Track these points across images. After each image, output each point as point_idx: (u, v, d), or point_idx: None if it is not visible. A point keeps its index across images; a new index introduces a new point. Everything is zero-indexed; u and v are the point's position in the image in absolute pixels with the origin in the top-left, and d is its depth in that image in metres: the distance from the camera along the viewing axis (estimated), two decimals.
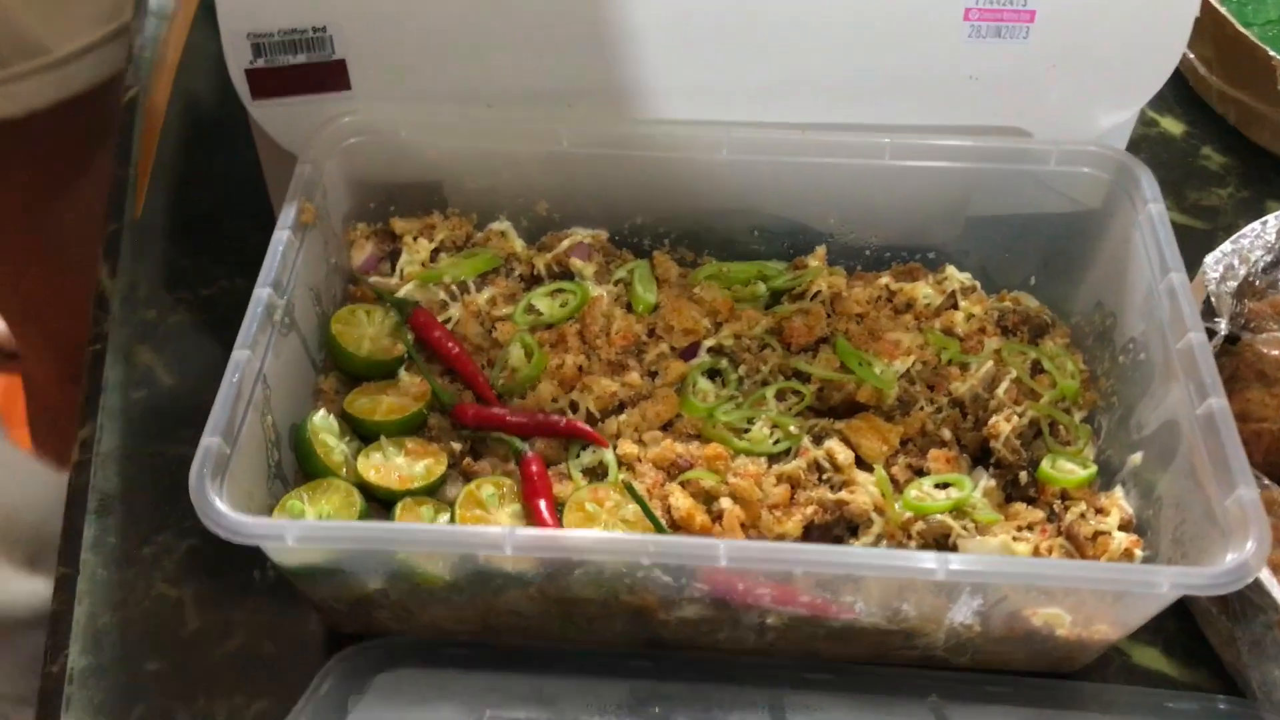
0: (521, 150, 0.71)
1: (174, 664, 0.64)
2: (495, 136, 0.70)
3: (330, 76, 0.69)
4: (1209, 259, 0.72)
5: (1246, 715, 0.60)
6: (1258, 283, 0.72)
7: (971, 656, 0.61)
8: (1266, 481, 0.63)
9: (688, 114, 0.70)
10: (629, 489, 0.60)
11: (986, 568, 0.52)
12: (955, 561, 0.52)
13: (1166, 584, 0.51)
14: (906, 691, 0.60)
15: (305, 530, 0.52)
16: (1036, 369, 0.69)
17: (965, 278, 0.72)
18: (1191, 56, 0.94)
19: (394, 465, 0.62)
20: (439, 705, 0.57)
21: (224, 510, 0.52)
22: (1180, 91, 0.95)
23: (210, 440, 0.54)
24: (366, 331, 0.67)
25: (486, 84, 0.70)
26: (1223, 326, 0.69)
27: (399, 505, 0.61)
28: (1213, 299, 0.70)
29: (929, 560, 0.52)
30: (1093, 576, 0.52)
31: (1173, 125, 0.94)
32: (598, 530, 0.58)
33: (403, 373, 0.66)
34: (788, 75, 0.70)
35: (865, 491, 0.61)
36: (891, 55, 0.69)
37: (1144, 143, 0.93)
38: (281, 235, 0.63)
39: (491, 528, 0.56)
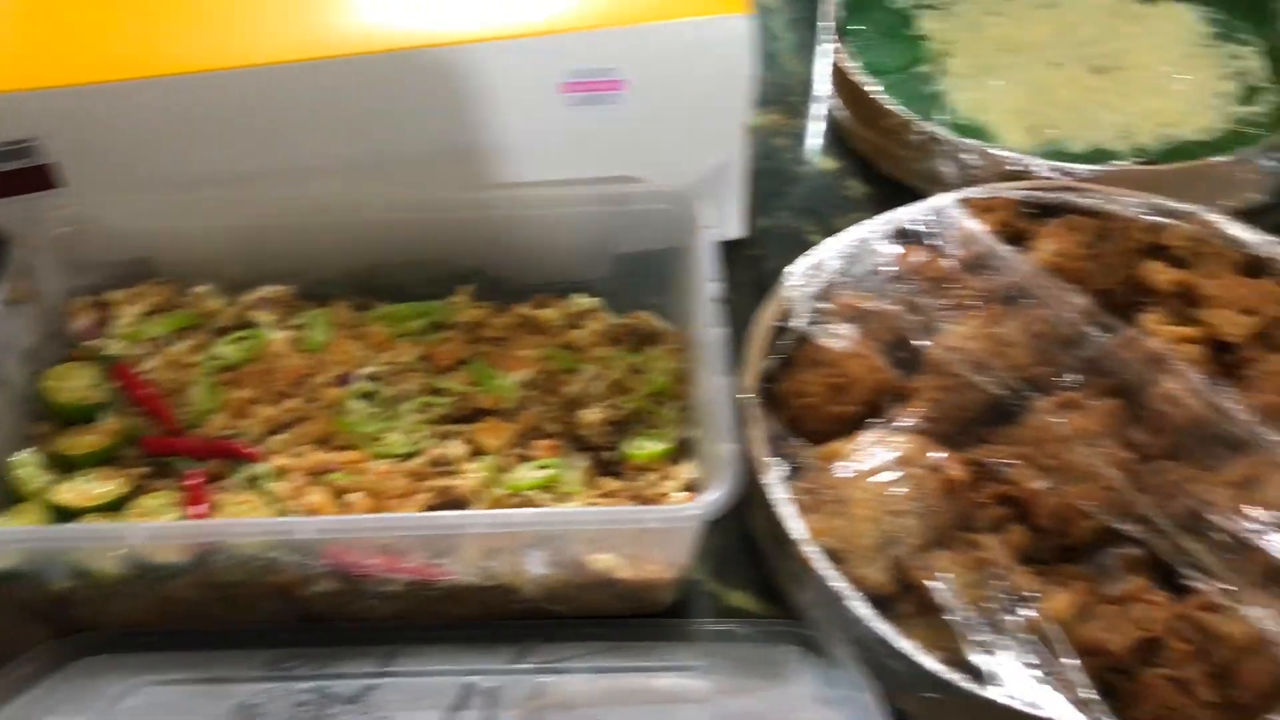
0: (212, 225, 0.85)
1: None
2: (189, 215, 0.85)
3: (44, 178, 0.84)
4: (789, 269, 0.87)
5: (789, 632, 0.72)
6: (831, 288, 0.87)
7: (569, 604, 0.74)
8: (800, 442, 0.78)
9: (342, 187, 0.85)
10: (257, 487, 0.73)
11: (508, 518, 0.65)
12: (480, 519, 0.65)
13: (652, 519, 0.65)
14: (505, 638, 0.72)
15: None
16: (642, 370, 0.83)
17: (591, 302, 0.87)
18: (837, 106, 1.10)
19: (87, 489, 0.75)
20: (110, 679, 0.69)
21: None
22: (833, 135, 1.11)
23: None
24: (75, 384, 0.81)
25: (180, 171, 0.85)
26: (799, 324, 0.84)
27: (82, 519, 0.74)
28: (787, 302, 0.85)
29: (468, 517, 0.65)
30: (591, 518, 0.65)
31: (828, 164, 1.10)
32: (212, 520, 0.72)
33: (103, 415, 0.80)
34: (428, 150, 0.85)
35: (472, 476, 0.75)
36: (512, 126, 0.85)
37: (803, 179, 1.08)
38: None
39: (118, 524, 0.70)
